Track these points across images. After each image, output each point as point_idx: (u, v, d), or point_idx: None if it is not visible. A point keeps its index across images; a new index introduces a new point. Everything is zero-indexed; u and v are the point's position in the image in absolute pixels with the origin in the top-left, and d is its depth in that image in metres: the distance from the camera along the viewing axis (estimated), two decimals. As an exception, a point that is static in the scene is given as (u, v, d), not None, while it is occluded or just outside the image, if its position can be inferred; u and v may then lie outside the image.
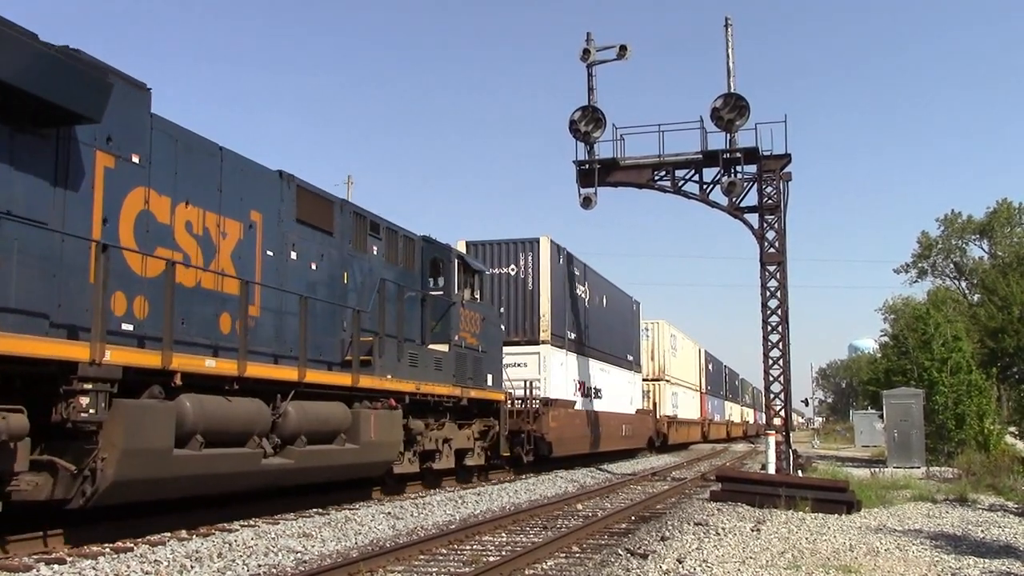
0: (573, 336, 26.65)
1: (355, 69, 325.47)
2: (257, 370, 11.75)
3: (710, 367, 56.45)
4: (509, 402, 21.66)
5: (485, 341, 19.85)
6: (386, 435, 14.82)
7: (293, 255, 13.50)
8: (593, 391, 28.76)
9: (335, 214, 14.79)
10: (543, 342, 23.96)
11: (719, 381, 61.12)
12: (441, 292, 18.07)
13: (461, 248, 22.77)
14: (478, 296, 19.62)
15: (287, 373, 12.52)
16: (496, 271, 24.15)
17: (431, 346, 17.48)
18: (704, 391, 52.54)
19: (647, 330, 39.82)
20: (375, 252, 16.04)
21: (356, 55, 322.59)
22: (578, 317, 27.49)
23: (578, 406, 26.62)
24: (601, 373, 29.92)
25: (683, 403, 44.58)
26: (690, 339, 50.39)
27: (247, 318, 11.60)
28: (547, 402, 23.20)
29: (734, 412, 69.82)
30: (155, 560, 9.11)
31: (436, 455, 17.55)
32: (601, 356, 30.13)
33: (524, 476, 22.57)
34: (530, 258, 24.28)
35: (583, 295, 28.24)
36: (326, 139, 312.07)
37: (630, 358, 34.96)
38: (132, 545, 9.96)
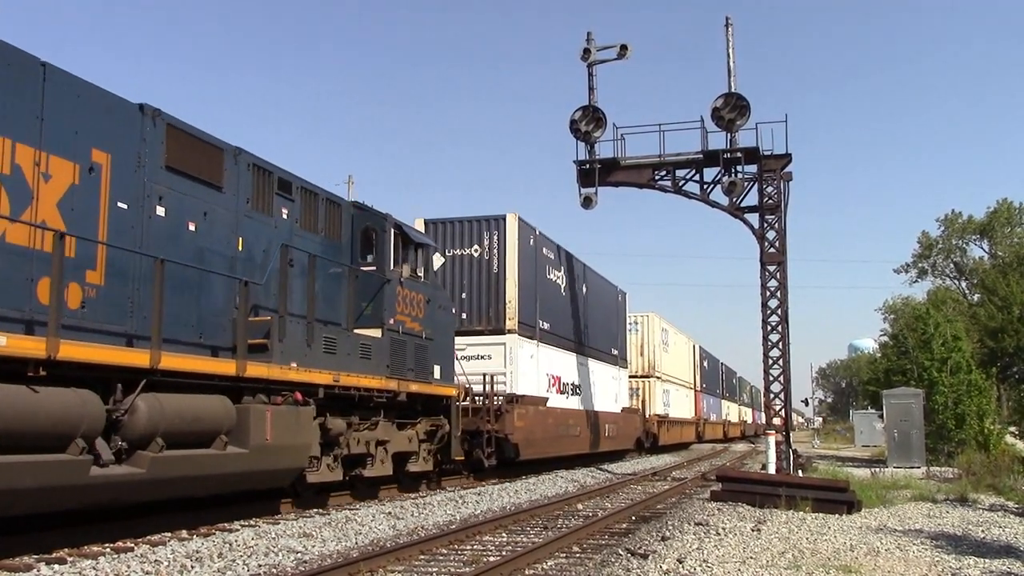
0: (546, 326, 23.85)
1: (353, 69, 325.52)
2: (80, 351, 9.07)
3: (705, 364, 54.36)
4: (466, 398, 19.34)
5: (431, 327, 16.76)
6: (289, 436, 12.13)
7: (160, 211, 10.87)
8: (571, 387, 26.44)
9: (226, 164, 12.08)
10: (509, 331, 21.32)
11: (715, 379, 59.32)
12: (374, 268, 15.29)
13: (419, 225, 20.63)
14: (422, 274, 16.60)
15: (132, 357, 9.83)
16: (457, 252, 21.67)
17: (360, 331, 14.47)
18: (699, 389, 50.55)
19: (636, 324, 37.69)
20: (284, 216, 13.39)
21: (355, 54, 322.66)
22: (553, 305, 24.88)
23: (554, 404, 24.17)
24: (581, 368, 27.55)
25: (675, 401, 42.44)
26: (683, 334, 48.35)
27: (61, 283, 8.99)
28: (513, 399, 20.77)
29: (731, 411, 67.86)
30: (155, 560, 9.11)
31: (367, 460, 14.93)
32: (580, 349, 27.65)
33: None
34: (495, 238, 21.61)
35: (558, 281, 25.65)
36: (325, 141, 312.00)
37: (615, 352, 32.23)
38: (132, 545, 9.95)
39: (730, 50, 23.12)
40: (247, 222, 12.55)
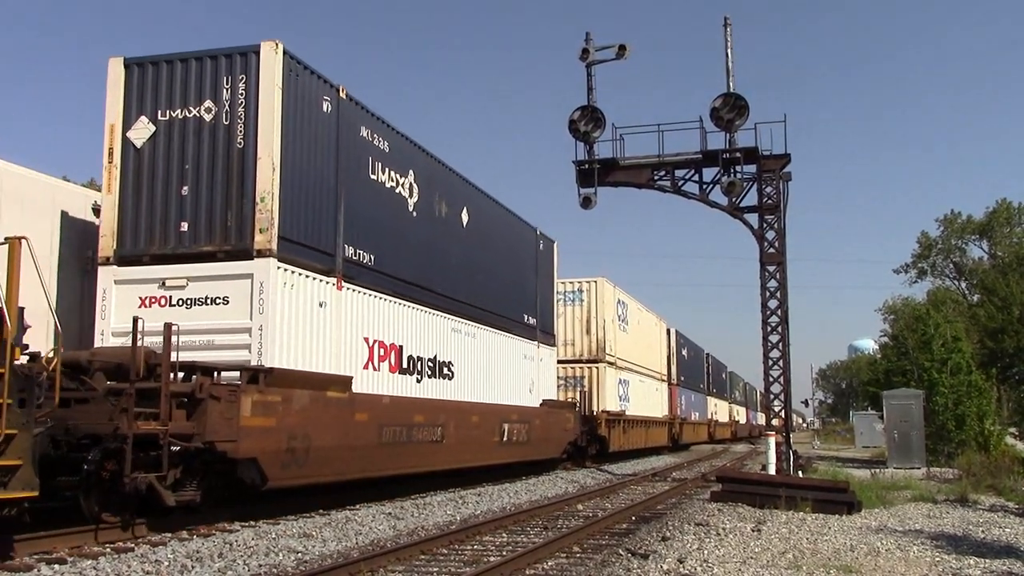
0: (366, 258, 15.20)
1: (352, 67, 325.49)
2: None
3: (684, 353, 46.40)
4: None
5: None
6: None
7: None
8: (430, 366, 17.53)
9: None
10: (262, 253, 12.63)
11: (697, 371, 51.52)
12: None
13: (116, 72, 13.47)
14: None
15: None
16: (175, 114, 13.38)
17: None
18: (674, 382, 42.90)
19: (579, 291, 29.81)
20: None
21: (354, 54, 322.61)
22: (386, 228, 16.07)
23: (378, 388, 15.38)
24: (458, 338, 18.95)
25: (638, 395, 34.68)
26: (652, 313, 39.34)
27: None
28: (256, 377, 11.94)
29: (720, 410, 60.42)
30: (156, 560, 9.12)
31: None
32: (459, 309, 18.97)
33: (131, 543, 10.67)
34: (240, 87, 13.16)
35: (401, 191, 16.72)
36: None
37: (530, 322, 23.78)
38: (132, 545, 9.97)
39: (729, 50, 23.12)
40: None
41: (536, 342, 24.25)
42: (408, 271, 16.72)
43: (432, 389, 17.52)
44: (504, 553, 10.18)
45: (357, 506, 14.58)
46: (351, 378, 14.28)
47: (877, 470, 24.75)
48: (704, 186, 23.41)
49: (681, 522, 12.50)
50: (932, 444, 28.10)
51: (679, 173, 23.60)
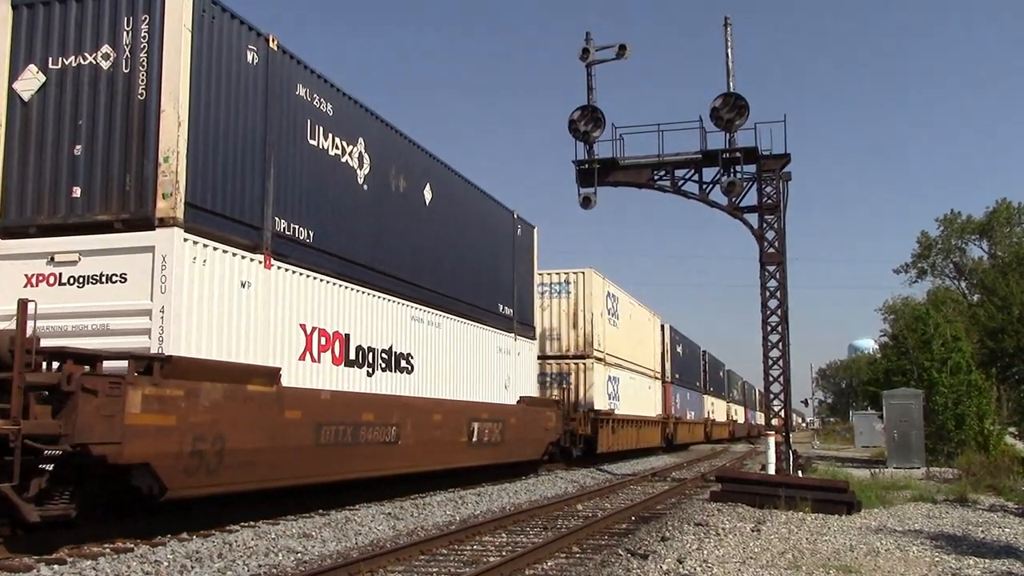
0: (303, 234, 13.40)
1: (353, 67, 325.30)
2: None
3: (679, 350, 45.28)
4: None
5: None
6: None
7: None
8: (384, 357, 15.65)
9: None
10: (165, 222, 10.81)
11: (693, 369, 50.40)
12: None
13: (1, 14, 11.68)
14: None
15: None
16: (68, 62, 11.51)
17: None
18: (669, 380, 41.74)
19: (565, 283, 28.60)
20: None
21: (351, 53, 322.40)
22: (330, 201, 14.21)
23: (318, 382, 13.51)
24: (415, 326, 16.95)
25: (629, 393, 33.29)
26: (644, 307, 38.18)
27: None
28: (151, 367, 10.07)
29: (717, 409, 59.13)
30: (155, 560, 9.13)
31: None
32: (420, 296, 17.16)
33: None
34: (143, 29, 11.34)
35: (348, 161, 14.87)
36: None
37: (505, 312, 22.14)
38: (132, 545, 9.96)
39: (729, 50, 23.14)
40: None
41: (513, 334, 22.49)
42: (358, 251, 14.88)
43: (387, 384, 15.64)
44: (504, 553, 10.19)
45: (357, 506, 14.58)
46: (279, 370, 12.29)
47: (877, 470, 24.75)
48: (704, 186, 23.43)
49: (680, 522, 12.50)
50: (932, 444, 28.10)
51: (679, 173, 23.62)
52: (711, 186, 23.29)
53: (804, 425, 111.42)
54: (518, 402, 22.14)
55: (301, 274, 13.26)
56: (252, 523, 12.04)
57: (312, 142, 13.83)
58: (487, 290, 21.02)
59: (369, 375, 15.08)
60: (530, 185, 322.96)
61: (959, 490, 17.64)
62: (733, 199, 23.03)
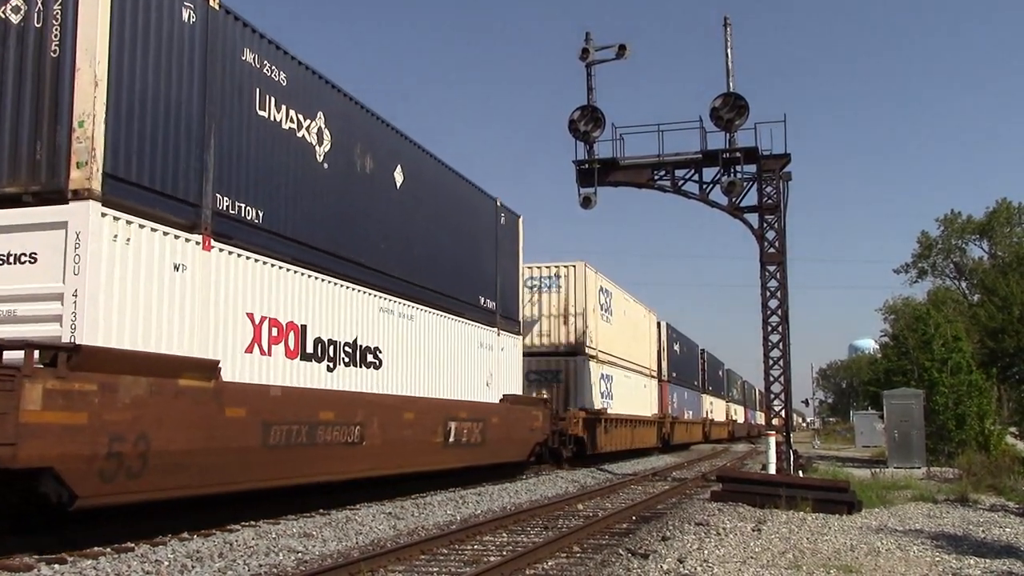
0: (252, 214, 12.11)
1: (352, 67, 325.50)
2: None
3: (676, 348, 44.22)
4: None
5: None
6: None
7: None
8: (351, 352, 14.47)
9: None
10: (79, 195, 9.58)
11: (691, 368, 49.52)
12: None
13: None
14: None
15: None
16: None
17: None
18: (665, 379, 40.68)
19: (556, 276, 27.54)
20: None
21: (350, 53, 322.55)
22: (285, 182, 13.00)
23: (271, 377, 12.27)
24: (384, 317, 15.66)
25: (624, 392, 32.30)
26: (640, 304, 37.07)
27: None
28: (55, 358, 8.71)
29: (716, 408, 58.03)
30: (156, 560, 9.12)
31: None
32: (383, 283, 15.68)
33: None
34: None
35: (296, 130, 13.39)
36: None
37: (487, 305, 20.77)
38: (133, 545, 9.95)
39: (729, 50, 23.17)
40: None
41: (496, 328, 21.06)
42: (316, 234, 13.56)
43: (351, 379, 14.33)
44: (504, 553, 10.19)
45: (357, 506, 14.58)
46: (218, 363, 11.00)
47: (877, 470, 24.74)
48: (704, 186, 23.45)
49: (681, 522, 12.49)
50: (932, 444, 28.11)
51: (679, 173, 23.64)
52: (711, 186, 23.33)
53: (805, 425, 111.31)
54: (501, 400, 20.99)
55: (248, 258, 11.94)
56: (253, 522, 12.04)
57: (262, 113, 12.52)
58: (467, 281, 19.69)
59: (330, 370, 13.76)
60: (530, 185, 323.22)
61: (960, 490, 17.64)
62: (733, 199, 23.04)
